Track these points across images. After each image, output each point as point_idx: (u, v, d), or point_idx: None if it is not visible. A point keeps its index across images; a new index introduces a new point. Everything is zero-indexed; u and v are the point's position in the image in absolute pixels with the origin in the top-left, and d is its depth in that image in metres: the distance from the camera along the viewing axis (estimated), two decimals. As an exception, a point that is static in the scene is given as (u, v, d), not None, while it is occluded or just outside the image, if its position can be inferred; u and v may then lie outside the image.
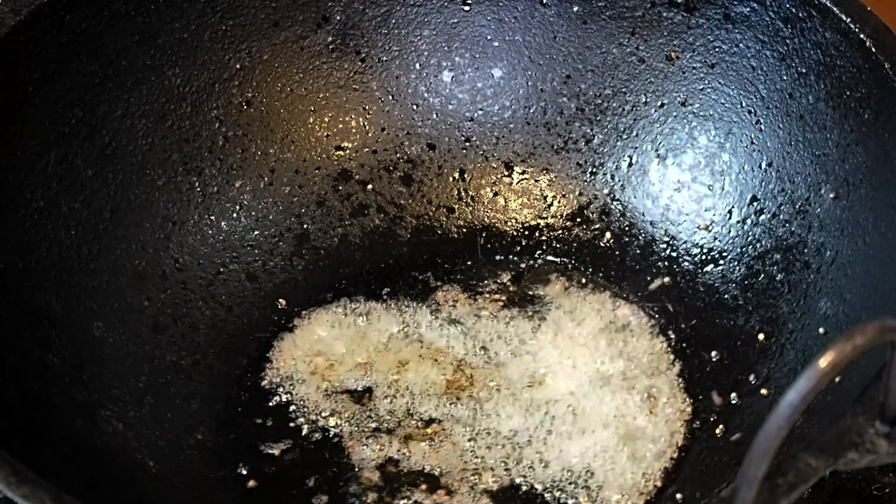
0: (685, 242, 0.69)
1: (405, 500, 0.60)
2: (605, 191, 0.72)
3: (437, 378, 0.65)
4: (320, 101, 0.73)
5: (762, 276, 0.65)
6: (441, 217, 0.73)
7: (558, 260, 0.71)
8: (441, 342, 0.67)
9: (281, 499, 0.61)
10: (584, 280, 0.69)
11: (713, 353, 0.64)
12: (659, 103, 0.70)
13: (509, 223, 0.73)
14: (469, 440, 0.62)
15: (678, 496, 0.58)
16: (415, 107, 0.74)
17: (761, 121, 0.67)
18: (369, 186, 0.73)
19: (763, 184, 0.66)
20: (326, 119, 0.73)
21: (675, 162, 0.70)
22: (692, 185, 0.69)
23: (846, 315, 0.59)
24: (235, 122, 0.71)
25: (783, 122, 0.65)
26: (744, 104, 0.67)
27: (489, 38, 0.73)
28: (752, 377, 0.62)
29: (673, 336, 0.66)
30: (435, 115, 0.74)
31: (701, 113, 0.69)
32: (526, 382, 0.64)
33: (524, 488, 0.60)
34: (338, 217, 0.72)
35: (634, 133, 0.71)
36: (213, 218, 0.70)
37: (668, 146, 0.70)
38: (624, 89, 0.71)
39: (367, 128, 0.74)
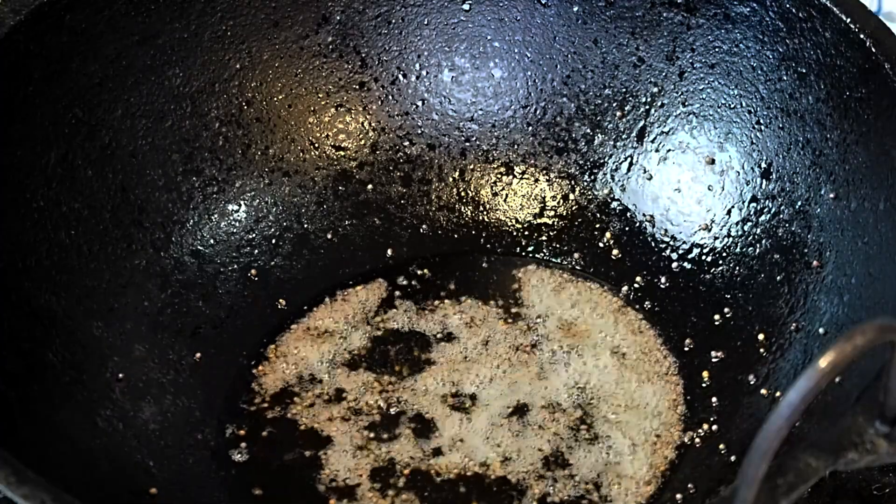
0: (685, 242, 0.69)
1: (411, 499, 0.60)
2: (605, 191, 0.72)
3: (438, 377, 0.65)
4: (320, 101, 0.73)
5: (762, 276, 0.65)
6: (441, 217, 0.73)
7: (558, 260, 0.71)
8: (442, 341, 0.67)
9: (282, 499, 0.61)
10: (583, 280, 0.69)
11: (713, 353, 0.64)
12: (659, 103, 0.70)
13: (509, 223, 0.73)
14: (469, 440, 0.62)
15: (678, 496, 0.58)
16: (415, 107, 0.74)
17: (761, 121, 0.67)
18: (369, 186, 0.73)
19: (763, 184, 0.66)
20: (326, 119, 0.73)
21: (675, 162, 0.70)
22: (692, 185, 0.69)
23: (846, 315, 0.59)
24: (235, 122, 0.71)
25: (783, 122, 0.65)
26: (744, 104, 0.67)
27: (489, 38, 0.73)
28: (752, 377, 0.62)
29: (673, 336, 0.66)
30: (435, 115, 0.74)
31: (701, 113, 0.69)
32: (525, 382, 0.64)
33: (522, 484, 0.60)
34: (338, 217, 0.72)
35: (634, 133, 0.71)
36: (213, 218, 0.70)
37: (668, 146, 0.70)
38: (624, 89, 0.71)
39: (367, 128, 0.74)
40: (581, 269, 0.70)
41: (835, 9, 0.61)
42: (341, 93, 0.74)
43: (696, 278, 0.68)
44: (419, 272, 0.71)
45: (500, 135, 0.74)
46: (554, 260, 0.71)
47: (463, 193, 0.73)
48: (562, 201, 0.73)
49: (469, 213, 0.73)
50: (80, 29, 0.65)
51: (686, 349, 0.65)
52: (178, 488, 0.59)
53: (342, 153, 0.73)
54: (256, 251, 0.70)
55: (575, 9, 0.71)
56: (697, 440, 0.61)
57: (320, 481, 0.61)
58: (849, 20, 0.60)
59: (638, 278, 0.69)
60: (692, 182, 0.69)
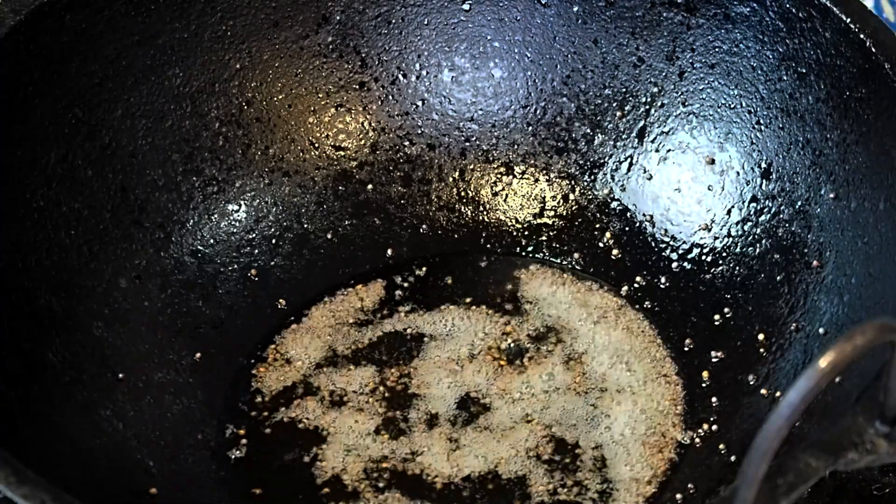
0: (685, 242, 0.69)
1: (411, 500, 0.60)
2: (605, 191, 0.72)
3: (437, 377, 0.65)
4: (320, 101, 0.73)
5: (762, 276, 0.65)
6: (441, 217, 0.73)
7: (558, 260, 0.71)
8: (442, 342, 0.67)
9: (281, 499, 0.61)
10: (583, 280, 0.69)
11: (713, 353, 0.64)
12: (659, 103, 0.70)
13: (509, 223, 0.73)
14: (469, 440, 0.62)
15: (678, 496, 0.58)
16: (415, 107, 0.74)
17: (761, 121, 0.67)
18: (369, 186, 0.73)
19: (763, 184, 0.66)
20: (326, 119, 0.73)
21: (675, 162, 0.70)
22: (692, 185, 0.69)
23: (846, 315, 0.59)
24: (235, 122, 0.71)
25: (783, 122, 0.65)
26: (744, 104, 0.67)
27: (489, 38, 0.73)
28: (751, 377, 0.62)
29: (673, 336, 0.66)
30: (435, 115, 0.74)
31: (701, 113, 0.69)
32: (525, 381, 0.64)
33: (522, 484, 0.60)
34: (338, 217, 0.72)
35: (634, 133, 0.71)
36: (213, 218, 0.70)
37: (668, 146, 0.70)
38: (624, 89, 0.71)
39: (367, 128, 0.74)
40: (581, 269, 0.70)
41: (835, 9, 0.61)
42: (341, 93, 0.74)
43: (696, 278, 0.68)
44: (419, 272, 0.71)
45: (500, 135, 0.74)
46: (554, 260, 0.71)
47: (463, 193, 0.73)
48: (562, 201, 0.73)
49: (469, 213, 0.73)
50: (80, 29, 0.65)
51: (686, 349, 0.65)
52: (178, 488, 0.59)
53: (342, 153, 0.73)
54: (256, 251, 0.70)
55: (575, 9, 0.71)
56: (697, 440, 0.61)
57: (320, 481, 0.61)
58: (849, 20, 0.60)
59: (638, 278, 0.69)
60: (692, 182, 0.69)
